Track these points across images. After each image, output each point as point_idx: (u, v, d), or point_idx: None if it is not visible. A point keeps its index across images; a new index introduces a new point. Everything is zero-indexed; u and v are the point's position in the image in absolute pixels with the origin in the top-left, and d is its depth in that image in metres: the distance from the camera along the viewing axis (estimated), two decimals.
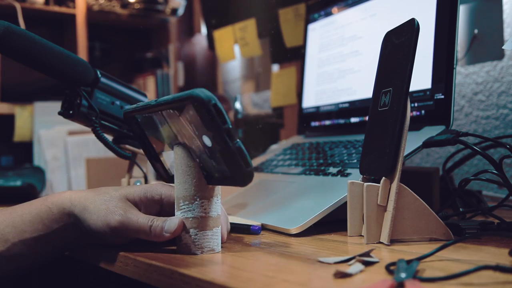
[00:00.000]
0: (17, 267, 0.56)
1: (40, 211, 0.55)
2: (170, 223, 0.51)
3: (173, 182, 0.54)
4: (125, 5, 2.09)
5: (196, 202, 0.51)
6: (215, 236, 0.52)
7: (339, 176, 0.69)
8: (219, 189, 0.52)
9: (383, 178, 0.53)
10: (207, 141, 0.47)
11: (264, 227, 0.64)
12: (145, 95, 0.81)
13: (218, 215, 0.52)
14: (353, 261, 0.45)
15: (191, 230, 0.51)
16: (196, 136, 0.49)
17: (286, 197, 0.71)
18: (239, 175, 0.46)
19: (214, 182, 0.51)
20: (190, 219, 0.51)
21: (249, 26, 1.53)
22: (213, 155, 0.48)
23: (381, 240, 0.54)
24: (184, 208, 0.51)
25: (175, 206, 0.52)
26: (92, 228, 0.53)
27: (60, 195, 0.56)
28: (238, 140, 0.45)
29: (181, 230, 0.51)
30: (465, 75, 1.06)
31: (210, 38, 1.87)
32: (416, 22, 0.53)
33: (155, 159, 0.60)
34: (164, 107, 0.50)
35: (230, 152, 0.45)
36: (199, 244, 0.51)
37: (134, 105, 0.56)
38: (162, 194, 0.55)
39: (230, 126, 0.45)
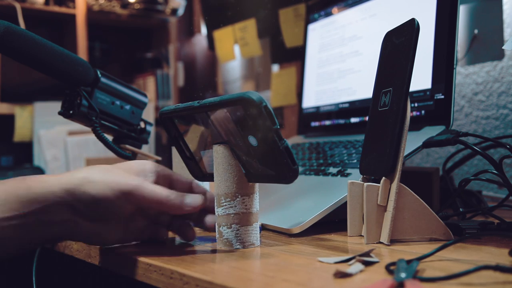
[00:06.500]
0: None
1: (17, 189, 0.48)
2: (194, 197, 0.51)
3: (207, 181, 0.58)
4: (125, 5, 2.09)
5: (238, 199, 0.53)
6: (255, 231, 0.54)
7: (339, 176, 0.69)
8: (257, 186, 0.54)
9: (383, 178, 0.53)
10: (252, 141, 0.49)
11: (264, 227, 0.64)
12: (145, 95, 0.81)
13: (257, 211, 0.54)
14: (353, 261, 0.45)
15: (233, 226, 0.53)
16: (241, 136, 0.50)
17: (286, 197, 0.71)
18: (286, 173, 0.48)
19: (255, 180, 0.53)
20: (232, 215, 0.53)
21: (249, 26, 1.53)
22: (256, 154, 0.50)
23: (381, 240, 0.54)
24: (226, 205, 0.53)
25: (216, 203, 0.54)
26: (96, 197, 0.48)
27: (42, 176, 0.50)
28: (285, 140, 0.48)
29: (203, 206, 0.52)
30: (465, 75, 1.06)
31: (210, 38, 1.87)
32: (416, 22, 0.53)
33: (189, 158, 0.61)
34: (211, 109, 0.52)
35: (279, 151, 0.48)
36: (241, 239, 0.53)
37: (173, 106, 0.57)
38: (159, 170, 0.55)
39: (279, 127, 0.48)
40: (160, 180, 0.55)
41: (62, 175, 0.50)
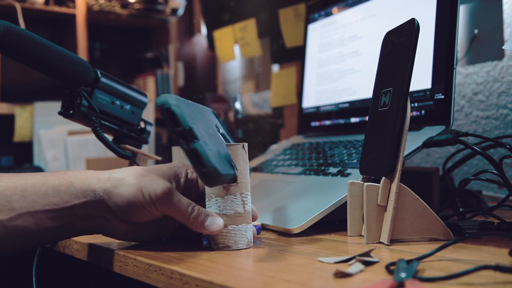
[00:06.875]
0: (19, 241, 0.51)
1: (59, 184, 0.51)
2: (214, 222, 0.51)
3: None
4: (125, 5, 2.09)
5: (212, 199, 0.53)
6: (230, 233, 0.52)
7: (339, 176, 0.69)
8: (240, 188, 0.53)
9: (383, 178, 0.53)
10: None
11: (264, 227, 0.64)
12: (145, 95, 0.81)
13: (235, 214, 0.52)
14: (353, 261, 0.45)
15: None
16: None
17: (286, 197, 0.71)
18: (199, 176, 0.48)
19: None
20: None
21: (249, 26, 1.53)
22: None
23: (381, 240, 0.54)
24: (207, 206, 0.54)
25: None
26: (128, 199, 0.50)
27: (82, 172, 0.53)
28: (196, 141, 0.47)
29: (220, 231, 0.52)
30: (465, 75, 1.06)
31: (210, 38, 1.87)
32: (416, 22, 0.53)
33: None
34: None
35: (186, 153, 0.47)
36: (215, 239, 0.53)
37: None
38: (188, 172, 0.55)
39: (185, 128, 0.47)
40: (190, 183, 0.56)
41: (102, 172, 0.53)
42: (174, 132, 0.48)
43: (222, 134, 0.61)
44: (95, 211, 0.52)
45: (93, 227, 0.53)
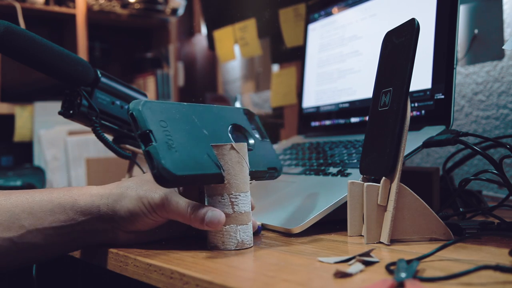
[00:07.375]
0: (28, 256, 0.53)
1: (64, 201, 0.53)
2: (213, 216, 0.50)
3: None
4: (125, 5, 2.09)
5: (205, 199, 0.54)
6: (218, 234, 0.52)
7: (339, 176, 0.69)
8: (228, 188, 0.52)
9: (383, 178, 0.53)
10: None
11: (264, 227, 0.64)
12: (145, 95, 0.81)
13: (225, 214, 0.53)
14: (353, 261, 0.45)
15: None
16: None
17: (286, 197, 0.71)
18: (153, 177, 0.49)
19: None
20: None
21: (249, 26, 1.53)
22: None
23: (381, 240, 0.54)
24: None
25: None
26: (132, 212, 0.52)
27: (86, 189, 0.55)
28: (152, 144, 0.49)
29: (222, 224, 0.51)
30: (465, 75, 1.06)
31: (210, 38, 1.87)
32: (416, 22, 0.53)
33: None
34: None
35: (144, 155, 0.50)
36: (207, 239, 0.54)
37: None
38: None
39: (144, 131, 0.49)
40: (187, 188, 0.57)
41: (104, 188, 0.55)
42: (136, 135, 0.50)
43: (246, 133, 0.61)
44: (102, 226, 0.54)
45: (100, 239, 0.55)
